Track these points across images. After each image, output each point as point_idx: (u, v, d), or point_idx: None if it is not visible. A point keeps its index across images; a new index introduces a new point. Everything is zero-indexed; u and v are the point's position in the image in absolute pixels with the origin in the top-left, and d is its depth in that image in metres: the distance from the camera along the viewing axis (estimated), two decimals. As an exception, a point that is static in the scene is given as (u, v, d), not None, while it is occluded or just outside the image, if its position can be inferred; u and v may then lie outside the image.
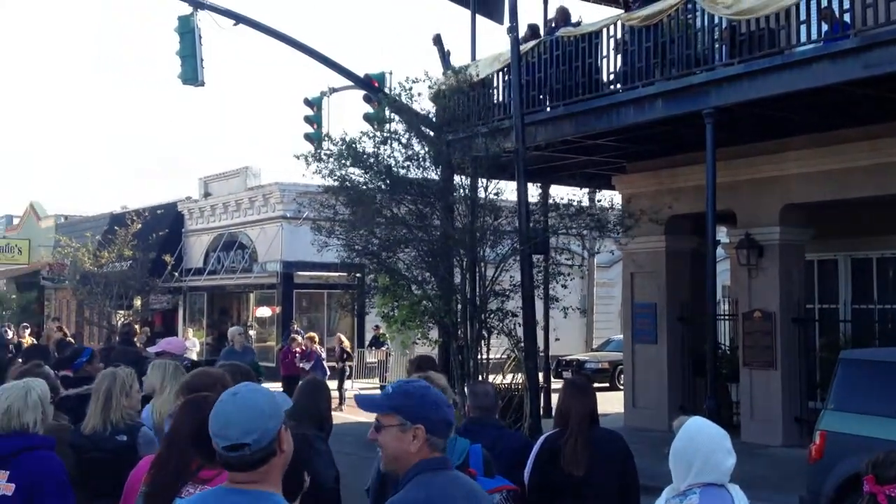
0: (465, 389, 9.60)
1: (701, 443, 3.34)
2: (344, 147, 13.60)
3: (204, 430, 2.58)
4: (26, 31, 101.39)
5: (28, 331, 16.39)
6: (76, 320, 35.56)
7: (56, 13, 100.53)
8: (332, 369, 20.67)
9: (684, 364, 15.56)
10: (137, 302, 32.04)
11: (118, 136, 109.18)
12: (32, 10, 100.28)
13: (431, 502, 2.74)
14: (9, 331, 19.04)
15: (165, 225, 32.45)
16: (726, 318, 16.16)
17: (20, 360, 9.39)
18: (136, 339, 18.61)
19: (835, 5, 10.77)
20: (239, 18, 14.98)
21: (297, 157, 14.03)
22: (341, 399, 20.04)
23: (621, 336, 19.40)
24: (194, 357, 23.00)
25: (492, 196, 13.52)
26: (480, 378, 13.14)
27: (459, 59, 15.53)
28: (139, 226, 29.66)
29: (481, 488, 3.09)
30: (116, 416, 4.87)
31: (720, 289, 16.01)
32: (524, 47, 14.02)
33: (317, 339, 20.90)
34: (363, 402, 3.01)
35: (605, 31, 13.28)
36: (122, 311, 31.24)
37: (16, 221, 45.80)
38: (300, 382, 5.71)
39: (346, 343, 23.01)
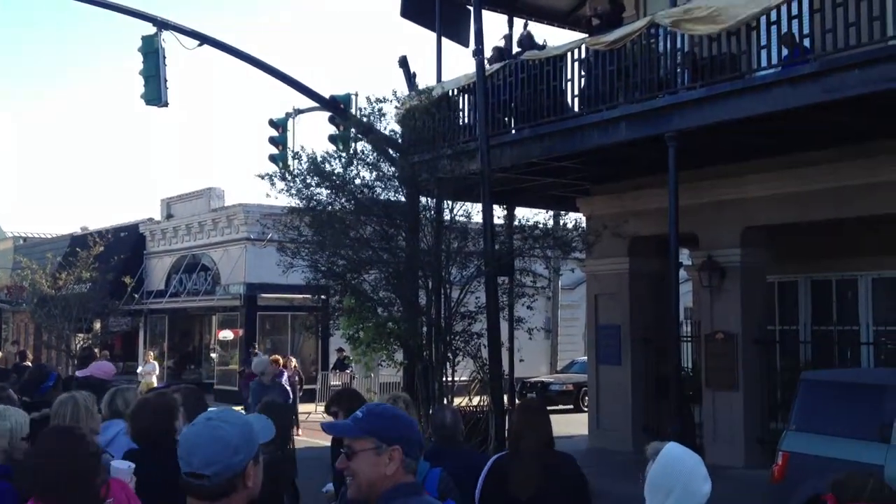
0: (431, 412, 9.55)
1: (680, 470, 3.34)
2: (310, 164, 13.57)
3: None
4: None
5: None
6: (34, 343, 34.91)
7: (15, 25, 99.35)
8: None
9: (648, 386, 15.62)
10: (97, 325, 31.56)
11: (77, 155, 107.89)
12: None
13: None
14: None
15: (127, 246, 32.06)
16: (689, 339, 16.30)
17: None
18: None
19: (795, 30, 10.98)
20: (204, 39, 14.94)
21: (262, 177, 13.97)
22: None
23: (585, 358, 19.45)
24: (154, 381, 22.70)
25: (459, 217, 13.55)
26: (445, 401, 13.10)
27: (426, 81, 15.61)
28: (101, 248, 29.28)
29: None
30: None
31: (682, 310, 16.13)
32: (490, 69, 14.12)
33: (281, 361, 20.72)
34: (332, 428, 2.95)
35: (569, 54, 13.41)
36: (81, 335, 30.74)
37: (-27, 243, 44.97)
38: (260, 405, 5.67)
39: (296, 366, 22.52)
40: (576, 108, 13.44)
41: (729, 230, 14.18)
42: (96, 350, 27.02)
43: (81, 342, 29.36)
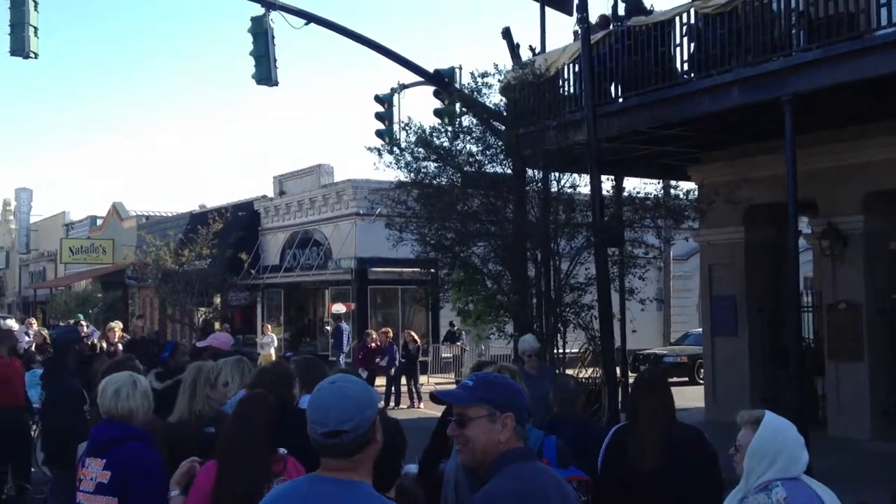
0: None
1: (785, 438, 3.39)
2: (418, 138, 13.68)
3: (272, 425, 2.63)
4: (98, 30, 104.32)
5: (119, 328, 16.83)
6: (159, 317, 36.52)
7: (130, 13, 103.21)
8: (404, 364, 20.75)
9: (766, 357, 15.24)
10: (217, 299, 32.76)
11: (194, 136, 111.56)
12: (103, 11, 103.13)
13: (524, 492, 2.74)
14: (84, 326, 19.64)
15: (242, 223, 33.06)
16: (809, 309, 15.79)
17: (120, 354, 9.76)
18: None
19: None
20: (310, 18, 15.15)
21: (371, 150, 14.16)
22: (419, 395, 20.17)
23: (700, 329, 19.09)
24: (272, 353, 23.45)
25: (567, 189, 13.44)
26: (556, 372, 13.09)
27: (529, 52, 15.45)
28: (220, 225, 30.28)
29: (563, 478, 3.08)
30: (199, 406, 4.99)
31: (801, 280, 15.63)
32: (595, 38, 13.88)
33: (391, 333, 21.09)
34: (445, 396, 3.02)
35: (677, 19, 13.05)
36: (202, 308, 31.97)
37: (100, 222, 47.17)
38: (296, 362, 5.74)
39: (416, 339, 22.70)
40: (685, 75, 13.10)
41: (850, 196, 13.63)
42: (217, 323, 28.11)
43: (203, 316, 30.55)
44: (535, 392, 5.80)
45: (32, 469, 10.09)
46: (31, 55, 14.26)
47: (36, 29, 14.29)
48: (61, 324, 25.88)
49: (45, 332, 18.30)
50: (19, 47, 14.16)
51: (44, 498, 9.46)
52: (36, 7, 14.25)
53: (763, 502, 3.29)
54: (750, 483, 3.38)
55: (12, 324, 22.03)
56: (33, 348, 15.77)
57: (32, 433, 10.67)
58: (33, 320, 28.45)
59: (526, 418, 2.91)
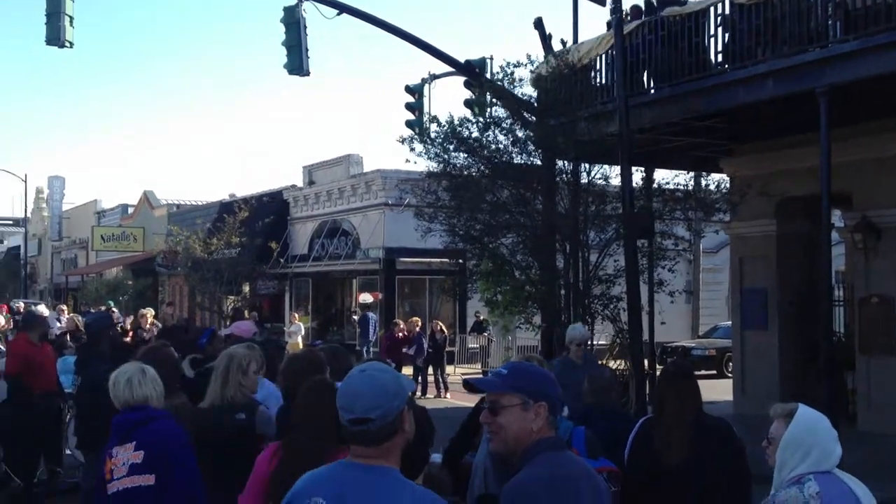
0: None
1: (819, 431, 3.38)
2: (448, 129, 13.67)
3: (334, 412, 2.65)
4: (133, 27, 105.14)
5: (151, 315, 16.99)
6: (189, 305, 36.83)
7: (152, 7, 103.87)
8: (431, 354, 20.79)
9: (796, 351, 15.10)
10: (246, 288, 32.96)
11: (223, 126, 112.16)
12: (140, 8, 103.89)
13: (556, 482, 2.75)
14: (115, 312, 19.90)
15: (271, 212, 33.24)
16: (841, 303, 15.60)
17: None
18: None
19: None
20: (342, 8, 15.17)
21: (401, 141, 14.18)
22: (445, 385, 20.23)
23: (729, 322, 18.95)
24: (300, 341, 23.58)
25: (597, 180, 13.38)
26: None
27: (561, 44, 15.36)
28: (246, 214, 30.45)
29: (594, 469, 3.08)
30: (231, 393, 5.03)
31: (833, 273, 15.47)
32: (628, 28, 13.78)
33: (419, 322, 21.12)
34: (478, 383, 3.02)
35: (712, 9, 12.92)
36: (231, 297, 32.20)
37: (131, 210, 47.63)
38: (322, 350, 5.74)
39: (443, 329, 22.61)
40: (719, 66, 12.97)
41: (886, 189, 13.45)
42: (245, 311, 28.29)
43: (231, 304, 30.76)
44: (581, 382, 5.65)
45: (67, 452, 10.24)
46: (67, 44, 14.40)
47: (71, 18, 14.42)
48: (92, 311, 26.17)
49: (78, 319, 18.50)
50: (55, 36, 14.31)
51: (75, 482, 9.60)
52: (72, -4, 14.39)
53: (795, 496, 3.27)
54: (783, 476, 3.36)
55: (43, 310, 22.33)
56: (66, 335, 15.95)
57: (64, 418, 10.83)
58: (64, 307, 28.80)
59: (559, 408, 2.91)
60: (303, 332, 25.48)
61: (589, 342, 10.26)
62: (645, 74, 13.81)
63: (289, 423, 4.18)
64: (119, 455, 4.24)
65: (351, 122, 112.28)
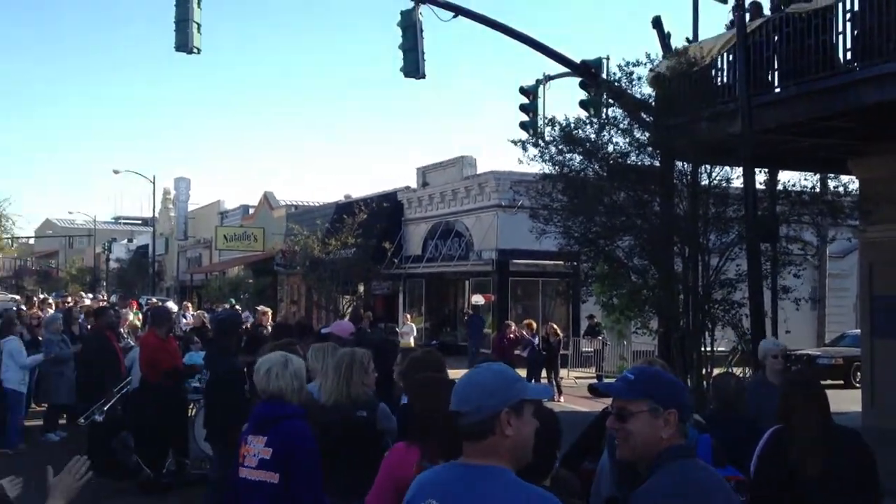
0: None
1: None
2: (563, 131, 13.55)
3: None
4: (252, 36, 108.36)
5: (270, 313, 17.49)
6: (305, 304, 37.73)
7: (274, 12, 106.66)
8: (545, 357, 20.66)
9: (930, 362, 14.34)
10: (361, 287, 33.53)
11: (339, 129, 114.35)
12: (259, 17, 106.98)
13: (688, 490, 2.68)
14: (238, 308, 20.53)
15: (386, 214, 33.71)
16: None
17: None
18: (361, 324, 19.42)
19: None
20: (458, 10, 15.27)
21: (515, 143, 14.13)
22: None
23: (857, 330, 18.16)
24: (411, 341, 23.80)
25: (718, 182, 13.02)
26: (703, 371, 12.75)
27: (680, 41, 15.05)
28: (364, 216, 30.97)
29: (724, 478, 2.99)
30: (356, 392, 5.15)
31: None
32: (751, 26, 13.38)
33: (534, 325, 21.02)
34: (605, 388, 2.98)
35: (840, 5, 12.41)
36: (346, 296, 32.82)
37: (251, 211, 49.13)
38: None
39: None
40: (848, 64, 12.44)
41: None
42: (361, 311, 28.78)
43: (348, 304, 31.35)
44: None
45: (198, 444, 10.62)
46: (195, 50, 14.96)
47: (199, 25, 14.98)
48: (215, 308, 27.11)
49: (204, 315, 19.19)
50: (184, 43, 14.88)
51: (202, 473, 9.96)
52: (199, 4, 14.94)
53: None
54: None
55: (172, 306, 23.29)
56: (193, 331, 16.56)
57: (190, 412, 11.26)
58: (189, 304, 29.92)
59: (688, 416, 2.84)
60: (415, 333, 25.75)
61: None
62: (769, 73, 13.38)
63: (410, 422, 4.22)
64: (252, 444, 4.41)
65: (464, 123, 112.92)
